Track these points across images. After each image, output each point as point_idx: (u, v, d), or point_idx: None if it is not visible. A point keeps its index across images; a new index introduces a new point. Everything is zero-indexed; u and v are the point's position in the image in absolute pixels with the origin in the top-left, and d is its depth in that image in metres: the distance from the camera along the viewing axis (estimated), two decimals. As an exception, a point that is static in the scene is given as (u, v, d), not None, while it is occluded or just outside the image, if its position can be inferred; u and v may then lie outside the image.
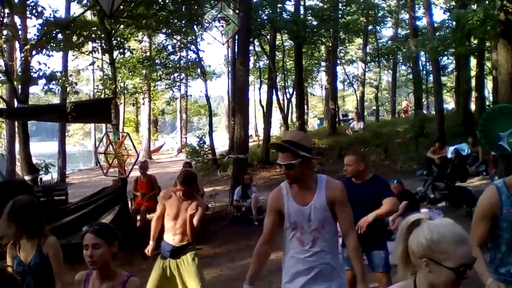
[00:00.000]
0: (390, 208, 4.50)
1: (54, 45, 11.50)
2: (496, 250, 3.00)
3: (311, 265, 3.01)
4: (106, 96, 12.39)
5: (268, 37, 19.38)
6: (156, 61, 21.20)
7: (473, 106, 19.01)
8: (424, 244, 1.81)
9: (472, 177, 11.90)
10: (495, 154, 9.41)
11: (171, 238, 4.72)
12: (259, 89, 21.43)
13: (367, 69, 29.21)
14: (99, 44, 12.80)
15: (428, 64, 23.02)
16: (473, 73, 19.78)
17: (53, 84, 11.15)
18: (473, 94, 18.91)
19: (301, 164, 2.95)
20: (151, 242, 4.88)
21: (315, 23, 19.62)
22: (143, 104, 28.13)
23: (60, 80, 11.53)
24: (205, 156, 18.70)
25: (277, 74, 21.22)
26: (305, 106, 27.15)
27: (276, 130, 25.83)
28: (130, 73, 20.41)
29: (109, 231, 2.88)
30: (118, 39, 14.43)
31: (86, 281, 2.82)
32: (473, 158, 12.68)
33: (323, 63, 27.51)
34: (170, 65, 21.76)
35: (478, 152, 12.65)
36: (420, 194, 10.07)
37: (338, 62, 25.60)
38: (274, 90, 19.68)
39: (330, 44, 22.49)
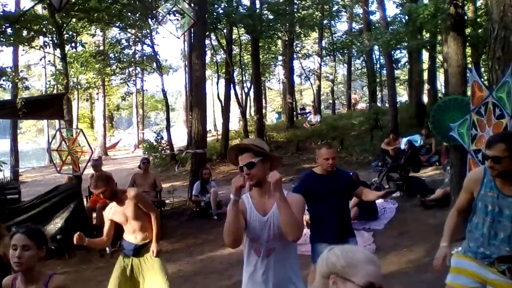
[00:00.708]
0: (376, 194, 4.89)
1: (4, 40, 11.10)
2: (473, 224, 3.22)
3: (267, 276, 2.95)
4: (58, 91, 12.06)
5: (225, 31, 19.30)
6: (110, 55, 20.75)
7: (425, 98, 19.57)
8: (333, 261, 1.82)
9: (426, 168, 12.26)
10: (447, 145, 9.72)
11: (133, 237, 4.69)
12: (217, 83, 21.31)
13: (323, 63, 29.53)
14: (50, 38, 12.41)
15: (381, 57, 23.47)
16: (425, 66, 20.34)
17: (3, 80, 10.79)
18: (426, 86, 19.44)
19: (262, 163, 2.93)
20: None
21: (271, 17, 19.65)
22: (97, 99, 27.52)
23: (10, 76, 11.14)
24: (163, 151, 18.50)
25: (235, 68, 21.17)
26: (263, 100, 27.25)
27: (235, 124, 25.81)
28: (83, 68, 19.90)
29: (40, 235, 2.87)
30: (70, 33, 14.05)
31: (12, 285, 2.77)
32: (427, 149, 13.07)
33: (280, 57, 27.62)
34: (125, 59, 21.35)
35: (431, 143, 13.04)
36: (375, 185, 10.27)
37: (295, 56, 25.77)
38: (231, 85, 19.64)
39: (286, 38, 22.62)
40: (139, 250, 4.66)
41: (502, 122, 4.89)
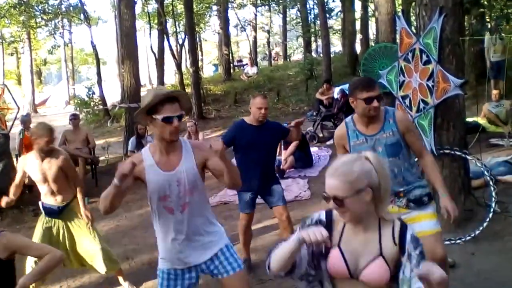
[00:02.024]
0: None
1: None
2: None
3: (183, 233, 2.82)
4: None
5: (156, -21, 18.61)
6: (34, 6, 19.53)
7: (358, 48, 19.92)
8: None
9: (358, 115, 12.59)
10: (377, 93, 10.01)
11: (53, 199, 4.50)
12: (149, 35, 20.67)
13: (258, 13, 29.23)
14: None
15: (315, 7, 23.51)
16: (358, 15, 20.59)
17: None
18: (358, 36, 19.76)
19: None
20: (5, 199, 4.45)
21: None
22: (23, 53, 26.03)
23: None
24: (95, 107, 17.94)
25: (167, 19, 20.55)
26: (199, 53, 26.76)
27: (171, 78, 25.30)
28: (5, 20, 18.66)
29: None
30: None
31: None
32: (359, 98, 13.39)
33: (214, 7, 27.04)
34: (50, 11, 20.19)
35: (364, 91, 13.35)
36: (310, 134, 10.53)
37: (230, 6, 25.30)
38: (165, 36, 19.10)
39: (221, -13, 22.13)
40: (62, 211, 4.52)
41: (428, 68, 5.06)
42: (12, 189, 4.53)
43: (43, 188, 4.49)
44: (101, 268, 4.61)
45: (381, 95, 3.16)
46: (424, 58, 5.10)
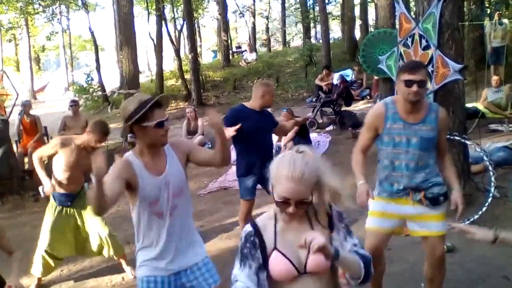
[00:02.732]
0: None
1: None
2: (381, 164, 3.28)
3: (171, 236, 2.76)
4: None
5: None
6: (32, -8, 19.42)
7: (358, 34, 19.83)
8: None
9: (357, 102, 12.62)
10: (378, 79, 10.01)
11: (68, 187, 4.55)
12: (148, 21, 20.52)
13: (257, -1, 29.04)
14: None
15: (315, -7, 23.35)
16: (357, 1, 20.47)
17: None
18: (358, 22, 19.66)
19: None
20: (45, 179, 4.53)
21: None
22: (21, 39, 25.88)
23: None
24: (94, 93, 17.89)
25: (165, 4, 20.41)
26: (198, 39, 26.61)
27: (169, 64, 25.18)
28: (3, 7, 18.54)
29: None
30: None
31: None
32: (358, 84, 13.41)
33: (212, -7, 26.84)
34: (48, -4, 20.08)
35: (363, 78, 13.38)
36: (310, 120, 10.52)
37: (228, -9, 25.14)
38: (163, 22, 18.97)
39: (219, -28, 21.96)
40: (75, 199, 4.60)
41: (428, 53, 5.06)
42: (38, 164, 4.52)
43: (64, 173, 4.47)
44: (108, 252, 4.74)
45: (425, 81, 3.04)
46: (424, 43, 5.10)
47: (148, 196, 2.66)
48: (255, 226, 1.99)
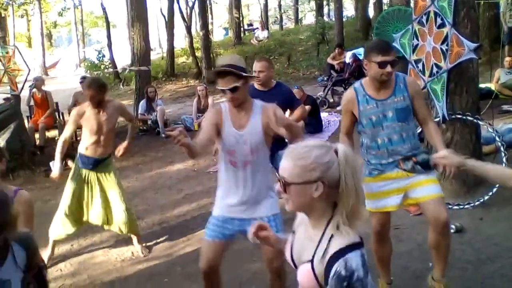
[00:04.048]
0: (302, 114, 4.84)
1: None
2: (365, 145, 3.33)
3: (242, 187, 3.05)
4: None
5: None
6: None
7: (371, 12, 19.56)
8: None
9: (369, 81, 12.48)
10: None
11: (93, 151, 4.65)
12: (159, -3, 20.39)
13: (269, -24, 28.68)
14: None
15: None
16: (371, -22, 20.16)
17: None
18: None
19: (244, 86, 2.94)
20: (58, 164, 4.60)
21: None
22: (33, 15, 25.87)
23: None
24: (105, 70, 17.90)
25: (177, -19, 20.21)
26: (210, 16, 26.42)
27: (181, 41, 25.06)
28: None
29: None
30: None
31: None
32: (371, 63, 13.25)
33: (225, -31, 26.57)
34: (60, -28, 19.97)
35: (375, 57, 13.21)
36: (321, 99, 10.46)
37: (240, -32, 24.83)
38: (175, -1, 18.83)
39: None
40: (98, 164, 4.68)
41: (443, 31, 4.97)
42: (60, 145, 4.60)
43: (89, 140, 4.60)
44: (121, 228, 4.79)
45: (396, 60, 3.10)
46: (439, 21, 5.00)
47: (226, 145, 3.01)
48: None
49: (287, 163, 1.71)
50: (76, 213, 4.72)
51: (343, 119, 3.40)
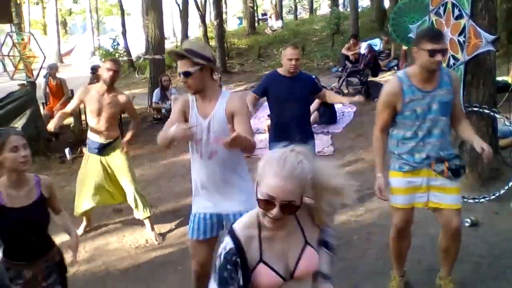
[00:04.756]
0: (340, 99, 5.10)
1: None
2: (401, 137, 3.23)
3: (211, 179, 2.96)
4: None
5: None
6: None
7: (387, 2, 19.35)
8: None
9: (384, 72, 12.40)
10: (406, 49, 9.78)
11: (98, 136, 4.78)
12: (174, -14, 20.34)
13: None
14: None
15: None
16: (387, -32, 19.90)
17: None
18: (388, -10, 19.15)
19: (200, 72, 2.85)
20: (52, 122, 4.74)
21: None
22: (48, 2, 25.99)
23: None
24: (119, 58, 17.95)
25: (192, -31, 20.15)
26: (224, 5, 26.33)
27: (195, 30, 25.05)
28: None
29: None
30: None
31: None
32: (386, 54, 13.16)
33: (240, -42, 26.42)
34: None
35: (391, 48, 13.11)
36: (335, 90, 10.39)
37: (256, -44, 24.67)
38: (189, -13, 18.80)
39: None
40: (104, 148, 4.78)
41: (460, 23, 4.91)
42: (58, 114, 4.81)
43: (92, 121, 4.74)
44: (132, 206, 4.90)
45: (446, 50, 3.01)
46: (456, 12, 4.94)
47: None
48: (236, 241, 1.75)
49: (289, 187, 1.63)
50: (88, 195, 4.87)
51: (382, 114, 3.22)
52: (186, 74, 2.83)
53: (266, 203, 1.66)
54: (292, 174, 1.63)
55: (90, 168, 4.84)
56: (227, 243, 1.75)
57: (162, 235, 5.01)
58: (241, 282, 1.71)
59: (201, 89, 2.91)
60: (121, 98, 4.74)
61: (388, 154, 3.34)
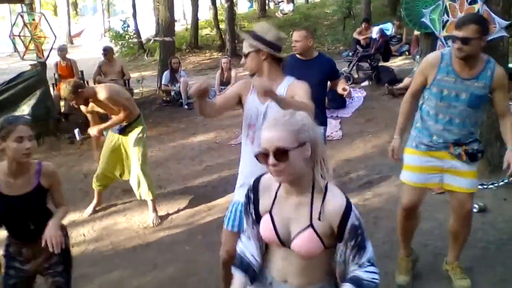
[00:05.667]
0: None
1: None
2: (425, 112, 3.21)
3: (260, 169, 2.82)
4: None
5: None
6: None
7: (400, -13, 19.11)
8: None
9: (395, 57, 12.29)
10: (418, 34, 9.66)
11: None
12: (185, -32, 20.21)
13: None
14: None
15: None
16: (401, -48, 19.59)
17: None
18: (401, -26, 18.88)
19: (255, 54, 2.80)
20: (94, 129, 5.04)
21: None
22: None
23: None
24: (129, 40, 17.95)
25: (203, -49, 20.01)
26: (234, -13, 26.14)
27: (205, 13, 24.92)
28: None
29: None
30: None
31: None
32: (398, 39, 13.03)
33: None
34: None
35: (402, 33, 12.98)
36: (345, 75, 10.32)
37: None
38: (200, -31, 18.68)
39: None
40: (124, 129, 4.95)
41: (474, 8, 4.85)
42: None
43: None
44: (134, 186, 5.01)
45: (469, 39, 2.88)
46: (471, -4, 4.87)
47: (247, 117, 2.85)
48: (256, 183, 1.97)
49: (279, 133, 1.74)
50: (107, 168, 5.14)
51: (416, 79, 3.24)
52: (244, 55, 2.86)
53: (262, 156, 1.77)
54: (278, 122, 1.76)
55: (112, 145, 5.06)
56: (251, 181, 2.00)
57: (170, 216, 5.06)
58: (253, 216, 1.95)
59: (256, 71, 2.85)
60: (101, 97, 4.74)
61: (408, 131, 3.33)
